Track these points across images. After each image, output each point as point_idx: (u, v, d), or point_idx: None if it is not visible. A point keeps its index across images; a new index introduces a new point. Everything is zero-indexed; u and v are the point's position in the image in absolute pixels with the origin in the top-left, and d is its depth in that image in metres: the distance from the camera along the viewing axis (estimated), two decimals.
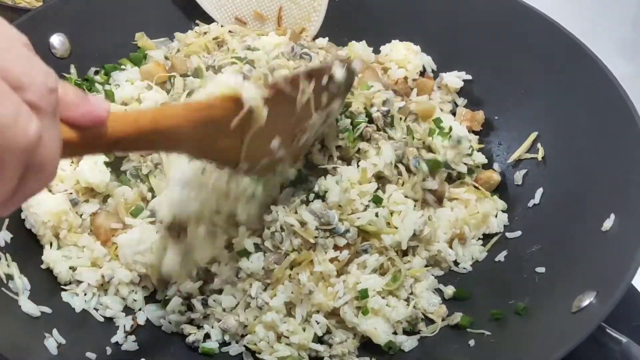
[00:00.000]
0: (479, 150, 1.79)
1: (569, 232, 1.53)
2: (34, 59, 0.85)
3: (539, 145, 1.71)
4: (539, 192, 1.66)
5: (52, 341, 1.38)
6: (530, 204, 1.66)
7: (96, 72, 1.83)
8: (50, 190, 1.59)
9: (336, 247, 1.50)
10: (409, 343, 1.48)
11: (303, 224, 1.47)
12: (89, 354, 1.40)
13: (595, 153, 1.58)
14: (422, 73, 1.91)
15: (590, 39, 1.68)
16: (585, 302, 1.31)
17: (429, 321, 1.54)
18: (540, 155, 1.70)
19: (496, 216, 1.68)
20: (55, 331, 1.40)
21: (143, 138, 1.08)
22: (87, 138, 0.96)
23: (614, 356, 1.28)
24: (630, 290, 1.31)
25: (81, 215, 1.59)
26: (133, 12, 1.88)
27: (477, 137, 1.82)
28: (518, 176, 1.72)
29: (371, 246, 1.52)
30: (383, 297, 1.50)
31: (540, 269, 1.52)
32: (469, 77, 1.87)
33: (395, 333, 1.50)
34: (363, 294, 1.47)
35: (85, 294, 1.51)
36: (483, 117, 1.82)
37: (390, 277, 1.52)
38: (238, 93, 1.24)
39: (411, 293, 1.55)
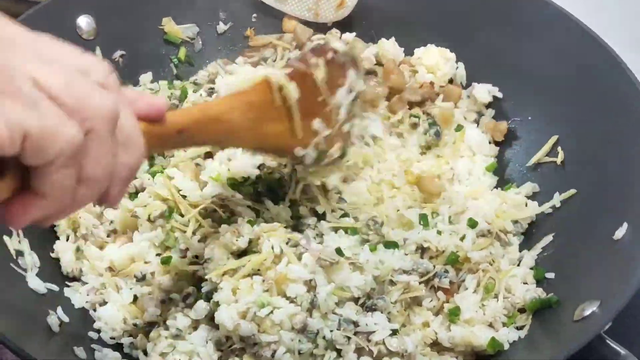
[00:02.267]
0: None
1: (581, 238, 1.51)
2: (95, 86, 0.89)
3: (559, 148, 1.68)
4: (556, 196, 1.62)
5: (55, 318, 1.39)
6: (547, 209, 1.63)
7: (121, 56, 1.84)
8: None
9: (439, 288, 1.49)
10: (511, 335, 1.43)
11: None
12: (91, 333, 1.42)
13: (615, 160, 1.55)
14: (451, 81, 1.87)
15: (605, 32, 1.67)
16: (588, 311, 1.29)
17: None
18: (559, 159, 1.67)
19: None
20: (59, 309, 1.42)
21: (199, 127, 1.19)
22: (156, 129, 1.05)
23: None
24: (635, 302, 1.27)
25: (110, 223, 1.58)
26: None
27: (498, 148, 1.79)
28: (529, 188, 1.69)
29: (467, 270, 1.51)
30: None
31: (550, 275, 1.51)
32: (500, 95, 1.82)
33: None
34: (454, 312, 1.45)
35: (87, 294, 1.49)
36: (506, 128, 1.79)
37: (483, 290, 1.49)
38: (264, 76, 1.34)
39: None
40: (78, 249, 1.53)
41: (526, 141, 1.77)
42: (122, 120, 0.91)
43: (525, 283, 1.51)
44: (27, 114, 0.79)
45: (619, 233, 1.41)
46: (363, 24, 1.93)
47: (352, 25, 1.92)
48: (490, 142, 1.79)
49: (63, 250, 1.53)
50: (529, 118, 1.77)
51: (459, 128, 1.77)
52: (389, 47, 1.87)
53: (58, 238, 1.56)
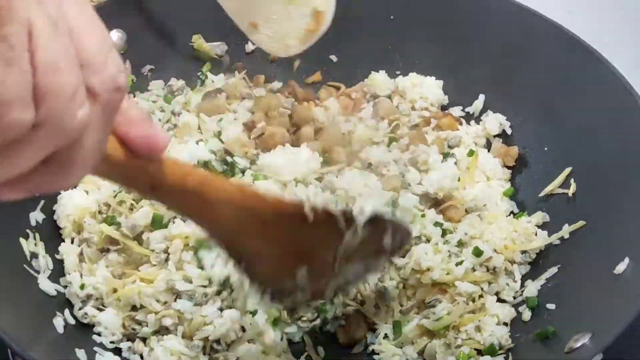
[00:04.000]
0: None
1: (584, 270, 1.51)
2: (114, 50, 0.77)
3: (572, 180, 1.68)
4: (565, 227, 1.62)
5: (61, 320, 1.44)
6: (555, 240, 1.63)
7: (150, 70, 1.90)
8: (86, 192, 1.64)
9: None
10: None
11: None
12: (94, 337, 1.46)
13: (625, 196, 1.54)
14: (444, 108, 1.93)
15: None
16: (579, 343, 1.30)
17: None
18: (571, 191, 1.67)
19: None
20: (67, 311, 1.47)
21: (182, 197, 1.00)
22: (130, 165, 0.86)
23: None
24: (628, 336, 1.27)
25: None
26: (190, 13, 1.93)
27: (510, 171, 1.80)
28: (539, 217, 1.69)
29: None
30: None
31: (551, 306, 1.50)
32: (510, 131, 1.85)
33: None
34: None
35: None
36: (517, 152, 1.81)
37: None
38: (301, 202, 1.16)
39: None
40: (81, 253, 1.57)
41: (537, 170, 1.78)
42: (81, 142, 0.74)
43: (505, 324, 1.52)
44: None
45: (620, 267, 1.40)
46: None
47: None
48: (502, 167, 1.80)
49: (67, 252, 1.56)
50: (545, 149, 1.78)
51: (471, 153, 1.78)
52: (381, 80, 1.93)
53: (64, 240, 1.61)
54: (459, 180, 1.72)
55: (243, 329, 1.47)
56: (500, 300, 1.57)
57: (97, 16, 0.76)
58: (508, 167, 1.81)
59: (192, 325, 1.44)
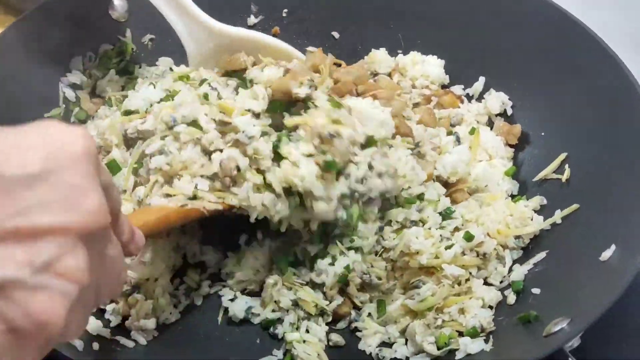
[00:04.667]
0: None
1: (571, 256, 1.50)
2: (122, 272, 1.00)
3: (566, 166, 1.66)
4: (557, 213, 1.60)
5: None
6: (547, 225, 1.61)
7: (151, 39, 1.90)
8: None
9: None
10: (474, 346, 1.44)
11: None
12: None
13: (617, 183, 1.52)
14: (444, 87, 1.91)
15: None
16: (558, 328, 1.29)
17: None
18: (565, 176, 1.65)
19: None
20: None
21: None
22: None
23: None
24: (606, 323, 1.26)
25: None
26: None
27: (513, 150, 1.79)
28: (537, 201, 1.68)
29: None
30: None
31: (536, 290, 1.50)
32: (510, 111, 1.84)
33: None
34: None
35: None
36: (520, 130, 1.79)
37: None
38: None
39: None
40: None
41: (535, 154, 1.76)
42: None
43: (490, 307, 1.51)
44: None
45: (606, 254, 1.39)
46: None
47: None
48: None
49: None
50: (542, 134, 1.76)
51: (473, 131, 1.76)
52: (381, 58, 1.91)
53: None
54: None
55: None
56: (487, 283, 1.56)
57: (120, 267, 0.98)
58: (511, 146, 1.80)
59: None
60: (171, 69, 1.81)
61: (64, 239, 0.78)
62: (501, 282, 1.57)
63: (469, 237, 1.54)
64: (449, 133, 1.76)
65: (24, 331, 0.76)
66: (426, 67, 1.90)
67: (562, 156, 1.67)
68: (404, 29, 1.95)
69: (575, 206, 1.57)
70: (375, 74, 1.91)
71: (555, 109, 1.74)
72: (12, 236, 0.75)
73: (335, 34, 2.00)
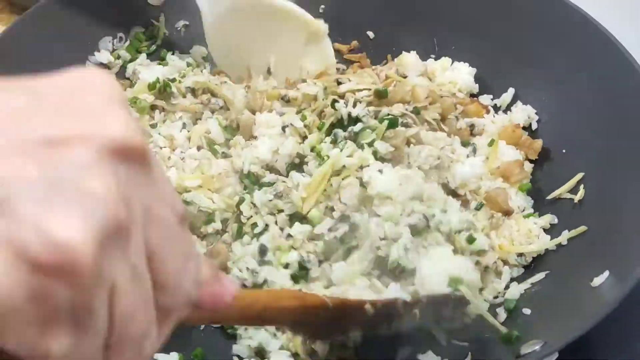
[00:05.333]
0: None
1: (566, 279, 1.46)
2: (189, 252, 0.74)
3: (581, 186, 1.60)
4: (565, 233, 1.55)
5: None
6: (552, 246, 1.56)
7: (184, 25, 1.92)
8: None
9: None
10: None
11: None
12: None
13: (626, 206, 1.47)
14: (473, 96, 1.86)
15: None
16: (529, 350, 1.27)
17: None
18: (578, 197, 1.59)
19: None
20: None
21: (245, 319, 1.13)
22: (197, 312, 0.84)
23: None
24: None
25: None
26: None
27: (532, 165, 1.74)
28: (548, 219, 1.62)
29: None
30: None
31: (527, 311, 1.45)
32: (535, 125, 1.79)
33: None
34: None
35: None
36: (541, 146, 1.73)
37: None
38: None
39: None
40: None
41: (552, 173, 1.71)
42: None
43: None
44: None
45: (598, 280, 1.35)
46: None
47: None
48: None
49: None
50: (563, 151, 1.71)
51: (492, 143, 1.71)
52: (411, 61, 1.88)
53: None
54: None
55: None
56: None
57: (182, 234, 0.72)
58: (530, 161, 1.74)
59: None
60: None
61: (85, 151, 0.60)
62: (495, 297, 1.53)
63: (471, 240, 1.51)
64: (465, 144, 1.72)
65: (46, 265, 0.54)
66: (456, 74, 1.86)
67: (579, 176, 1.62)
68: (439, 34, 1.92)
69: (583, 228, 1.52)
70: (404, 77, 1.87)
71: (582, 128, 1.68)
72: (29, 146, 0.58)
73: (370, 34, 1.99)
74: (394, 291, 1.40)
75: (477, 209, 1.59)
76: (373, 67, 1.92)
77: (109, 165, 0.61)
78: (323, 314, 1.21)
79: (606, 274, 1.34)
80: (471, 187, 1.62)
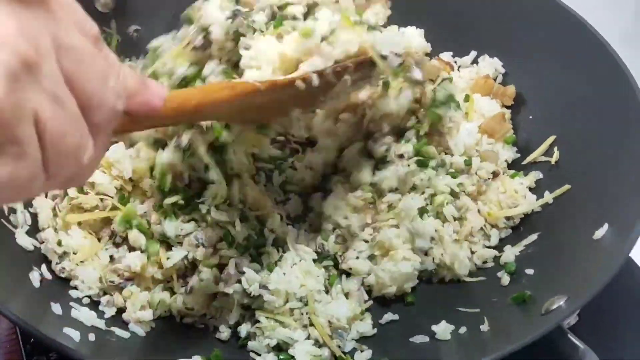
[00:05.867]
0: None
1: (564, 237, 1.51)
2: (107, 69, 0.81)
3: (555, 148, 1.67)
4: (547, 194, 1.62)
5: (37, 274, 1.42)
6: (537, 207, 1.62)
7: (136, 30, 1.88)
8: None
9: None
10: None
11: None
12: (71, 292, 1.45)
13: (606, 163, 1.54)
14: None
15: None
16: (555, 306, 1.30)
17: None
18: (554, 159, 1.66)
19: None
20: (44, 266, 1.45)
21: (182, 118, 1.20)
22: (133, 121, 0.94)
23: None
24: (603, 301, 1.28)
25: None
26: None
27: (510, 111, 1.79)
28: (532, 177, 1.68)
29: None
30: None
31: (529, 271, 1.51)
32: (502, 70, 1.84)
33: None
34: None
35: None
36: (514, 91, 1.78)
37: None
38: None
39: None
40: (54, 208, 1.53)
41: (524, 139, 1.76)
42: (87, 169, 0.82)
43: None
44: None
45: (599, 233, 1.40)
46: None
47: None
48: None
49: (41, 206, 1.53)
50: (530, 117, 1.77)
51: (467, 98, 1.74)
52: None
53: None
54: None
55: None
56: None
57: (95, 49, 0.79)
58: (507, 107, 1.80)
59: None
60: None
61: None
62: (484, 262, 1.58)
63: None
64: None
65: None
66: (406, 37, 1.79)
67: (551, 139, 1.69)
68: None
69: (566, 187, 1.58)
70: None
71: (542, 91, 1.76)
72: None
73: None
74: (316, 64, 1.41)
75: (467, 163, 1.63)
76: None
77: (6, 9, 0.68)
78: (257, 99, 1.28)
79: (606, 226, 1.40)
80: (472, 153, 1.66)
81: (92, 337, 1.35)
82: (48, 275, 1.45)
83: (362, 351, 1.44)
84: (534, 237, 1.57)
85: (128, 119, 0.91)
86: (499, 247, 1.61)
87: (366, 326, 1.48)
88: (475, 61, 1.89)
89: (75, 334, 1.31)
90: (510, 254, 1.56)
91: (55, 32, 0.73)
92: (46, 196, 1.56)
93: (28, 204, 1.54)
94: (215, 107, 1.22)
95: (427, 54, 1.85)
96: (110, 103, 0.80)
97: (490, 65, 1.84)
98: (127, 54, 1.85)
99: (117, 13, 1.84)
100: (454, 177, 1.59)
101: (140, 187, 1.53)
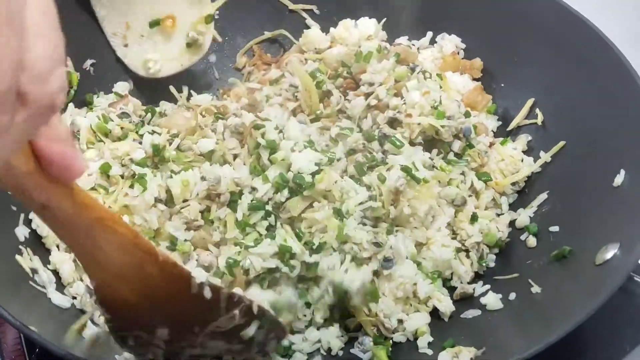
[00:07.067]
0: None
1: (579, 191, 1.57)
2: (62, 67, 0.73)
3: (537, 110, 1.74)
4: (542, 154, 1.69)
5: (93, 330, 1.37)
6: (537, 168, 1.69)
7: (92, 64, 1.81)
8: None
9: None
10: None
11: None
12: None
13: (595, 113, 1.61)
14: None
15: None
16: (610, 254, 1.35)
17: None
18: (539, 120, 1.73)
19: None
20: (89, 324, 1.39)
21: (71, 228, 0.98)
22: (32, 182, 0.83)
23: None
24: None
25: None
26: None
27: (480, 82, 1.83)
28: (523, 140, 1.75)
29: None
30: None
31: (554, 228, 1.56)
32: (463, 45, 1.89)
33: None
34: None
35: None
36: (481, 63, 1.84)
37: None
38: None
39: None
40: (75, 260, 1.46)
41: (502, 107, 1.82)
42: None
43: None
44: None
45: (618, 180, 1.47)
46: None
47: None
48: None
49: (60, 261, 1.48)
50: (502, 85, 1.83)
51: (440, 77, 1.77)
52: (315, 36, 1.92)
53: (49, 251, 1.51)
54: None
55: None
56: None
57: (58, 28, 0.73)
58: (477, 79, 1.85)
59: None
60: None
61: None
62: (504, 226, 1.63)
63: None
64: None
65: None
66: (362, 29, 1.89)
67: (530, 101, 1.76)
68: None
69: (562, 143, 1.66)
70: (319, 52, 1.88)
71: (513, 58, 1.82)
72: None
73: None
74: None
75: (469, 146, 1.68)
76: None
77: None
78: (150, 265, 1.11)
79: (622, 172, 1.47)
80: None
81: None
82: (98, 329, 1.38)
83: None
84: (543, 196, 1.64)
85: (31, 165, 0.80)
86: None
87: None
88: (432, 41, 1.93)
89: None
90: (525, 216, 1.63)
91: None
92: (58, 248, 1.51)
93: (46, 261, 1.48)
94: (110, 241, 1.02)
95: (384, 41, 1.90)
96: (51, 87, 0.71)
97: (451, 42, 1.89)
98: (92, 89, 1.80)
99: (72, 49, 1.74)
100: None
101: None
